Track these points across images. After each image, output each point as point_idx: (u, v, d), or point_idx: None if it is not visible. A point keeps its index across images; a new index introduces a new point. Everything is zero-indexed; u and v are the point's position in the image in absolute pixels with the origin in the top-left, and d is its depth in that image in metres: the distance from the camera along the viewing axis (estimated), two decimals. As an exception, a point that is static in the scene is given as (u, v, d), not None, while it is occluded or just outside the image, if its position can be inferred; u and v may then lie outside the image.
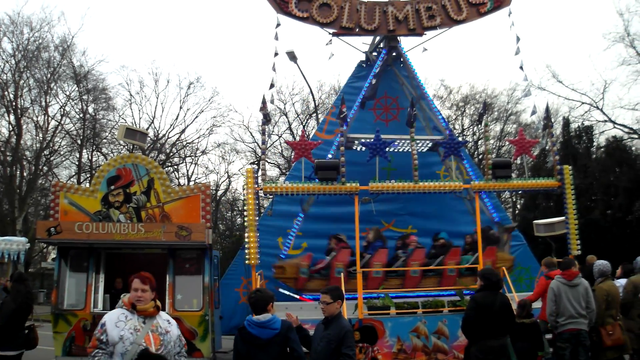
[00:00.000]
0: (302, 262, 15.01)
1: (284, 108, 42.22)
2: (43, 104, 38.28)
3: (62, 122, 39.11)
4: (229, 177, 46.59)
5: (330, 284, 14.38)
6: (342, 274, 14.04)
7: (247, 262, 13.18)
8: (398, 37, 18.21)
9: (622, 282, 11.38)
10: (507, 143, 39.93)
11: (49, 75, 37.70)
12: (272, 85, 17.35)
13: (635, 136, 32.14)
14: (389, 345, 12.40)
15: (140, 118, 42.84)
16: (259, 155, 34.11)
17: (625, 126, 32.69)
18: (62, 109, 39.02)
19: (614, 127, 32.66)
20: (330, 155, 15.95)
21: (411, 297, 13.75)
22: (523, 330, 10.76)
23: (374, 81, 17.77)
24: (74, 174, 40.83)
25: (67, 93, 39.25)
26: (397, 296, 13.70)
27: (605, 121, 32.76)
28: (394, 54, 18.32)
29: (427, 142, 16.74)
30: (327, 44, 17.69)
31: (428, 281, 14.86)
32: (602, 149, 32.89)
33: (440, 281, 14.85)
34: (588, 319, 10.09)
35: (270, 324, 6.22)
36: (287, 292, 14.93)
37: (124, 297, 5.79)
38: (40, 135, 38.31)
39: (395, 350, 12.44)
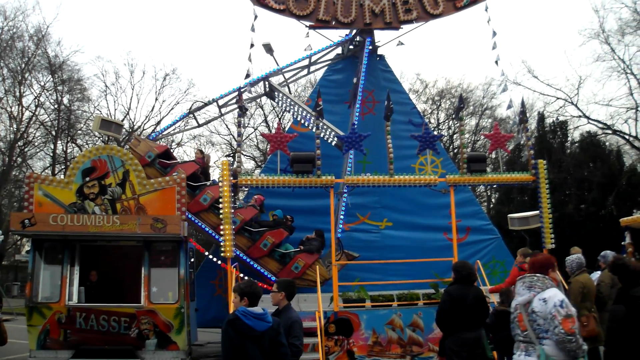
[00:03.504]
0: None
1: (260, 100, 42.12)
2: (17, 94, 37.91)
3: (37, 112, 38.73)
4: (204, 169, 46.35)
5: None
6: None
7: (222, 254, 13.18)
8: (373, 31, 18.24)
9: (598, 275, 11.51)
10: (482, 137, 40.18)
11: (23, 65, 37.32)
12: (247, 77, 17.30)
13: (609, 132, 32.46)
14: (364, 337, 12.46)
15: (115, 109, 42.68)
16: (235, 147, 33.96)
17: (599, 122, 33.06)
18: (36, 100, 38.69)
19: (588, 123, 33.02)
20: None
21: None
22: (506, 318, 10.88)
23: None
24: (48, 165, 40.47)
25: (42, 83, 38.93)
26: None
27: (580, 116, 33.08)
28: (370, 47, 18.34)
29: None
30: (305, 37, 17.70)
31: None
32: (577, 144, 33.15)
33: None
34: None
35: (266, 316, 6.19)
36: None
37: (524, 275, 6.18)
38: (14, 126, 37.94)
39: (370, 342, 12.50)
